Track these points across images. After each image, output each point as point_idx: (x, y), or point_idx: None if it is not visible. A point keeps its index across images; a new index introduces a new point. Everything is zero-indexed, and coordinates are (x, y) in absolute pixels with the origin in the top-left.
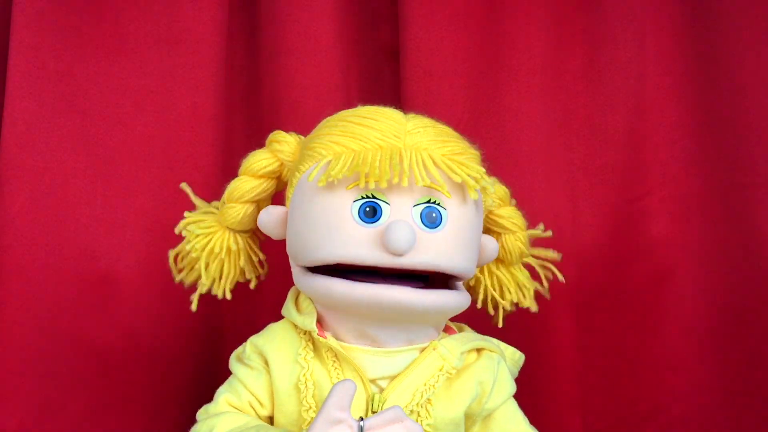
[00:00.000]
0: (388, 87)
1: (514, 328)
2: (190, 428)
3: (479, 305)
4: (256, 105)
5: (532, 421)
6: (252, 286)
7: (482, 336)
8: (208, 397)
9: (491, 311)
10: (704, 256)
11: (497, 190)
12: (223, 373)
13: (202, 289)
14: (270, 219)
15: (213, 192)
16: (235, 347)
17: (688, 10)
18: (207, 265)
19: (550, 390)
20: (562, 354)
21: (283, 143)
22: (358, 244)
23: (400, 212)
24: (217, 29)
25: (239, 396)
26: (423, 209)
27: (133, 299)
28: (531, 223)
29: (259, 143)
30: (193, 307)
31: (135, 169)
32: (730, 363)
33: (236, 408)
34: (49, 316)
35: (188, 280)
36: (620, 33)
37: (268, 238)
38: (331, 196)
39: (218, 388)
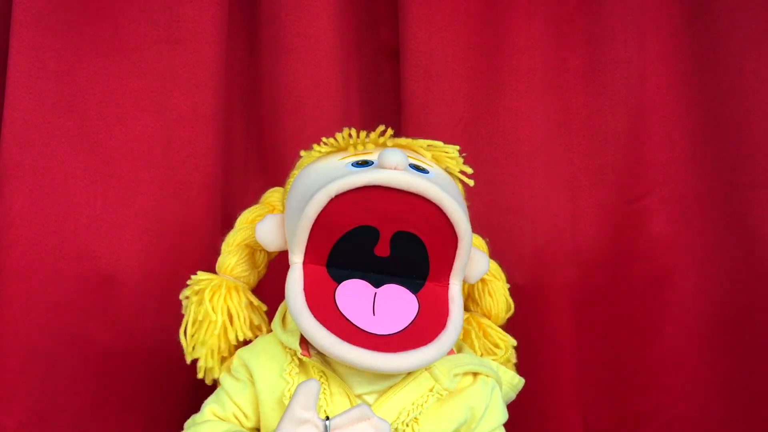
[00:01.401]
0: (388, 87)
1: (514, 328)
2: None
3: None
4: (256, 105)
5: (533, 420)
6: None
7: (480, 359)
8: (207, 397)
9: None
10: (704, 256)
11: (475, 240)
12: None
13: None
14: (267, 226)
15: (213, 192)
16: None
17: (688, 10)
18: (222, 317)
19: (550, 390)
20: (562, 354)
21: (273, 194)
22: (353, 174)
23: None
24: (216, 29)
25: (224, 407)
26: (410, 165)
27: (133, 299)
28: (531, 223)
29: (259, 143)
30: (208, 379)
31: (135, 169)
32: (730, 363)
33: (220, 419)
34: (49, 316)
35: (204, 356)
36: (620, 33)
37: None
38: (324, 162)
39: (206, 400)
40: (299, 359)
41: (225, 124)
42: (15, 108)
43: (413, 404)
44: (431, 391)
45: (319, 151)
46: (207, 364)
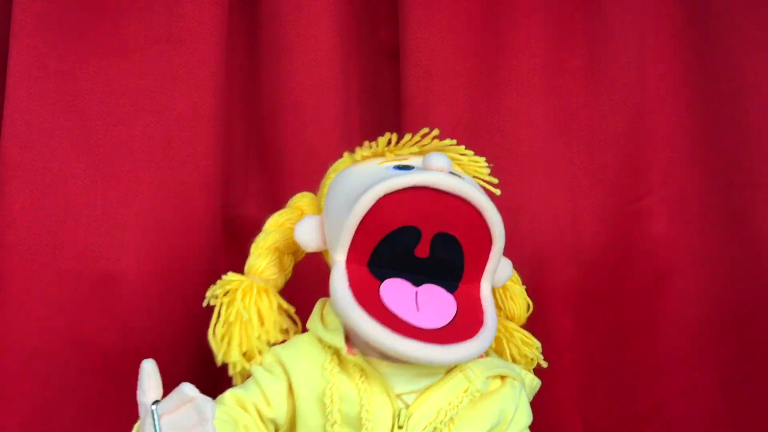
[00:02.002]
0: (388, 87)
1: None
2: None
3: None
4: (256, 105)
5: (533, 420)
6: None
7: (506, 363)
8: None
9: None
10: (704, 256)
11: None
12: (222, 373)
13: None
14: (306, 226)
15: (213, 192)
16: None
17: (688, 9)
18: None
19: (550, 390)
20: (562, 354)
21: (301, 198)
22: (399, 176)
23: None
24: (216, 29)
25: (248, 391)
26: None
27: (133, 299)
28: (531, 223)
29: (259, 143)
30: (237, 380)
31: (135, 169)
32: (730, 363)
33: (239, 400)
34: (49, 316)
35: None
36: (620, 33)
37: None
38: (364, 166)
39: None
40: (338, 358)
41: (225, 124)
42: (15, 108)
43: (449, 404)
44: (466, 392)
45: (362, 155)
46: (238, 366)
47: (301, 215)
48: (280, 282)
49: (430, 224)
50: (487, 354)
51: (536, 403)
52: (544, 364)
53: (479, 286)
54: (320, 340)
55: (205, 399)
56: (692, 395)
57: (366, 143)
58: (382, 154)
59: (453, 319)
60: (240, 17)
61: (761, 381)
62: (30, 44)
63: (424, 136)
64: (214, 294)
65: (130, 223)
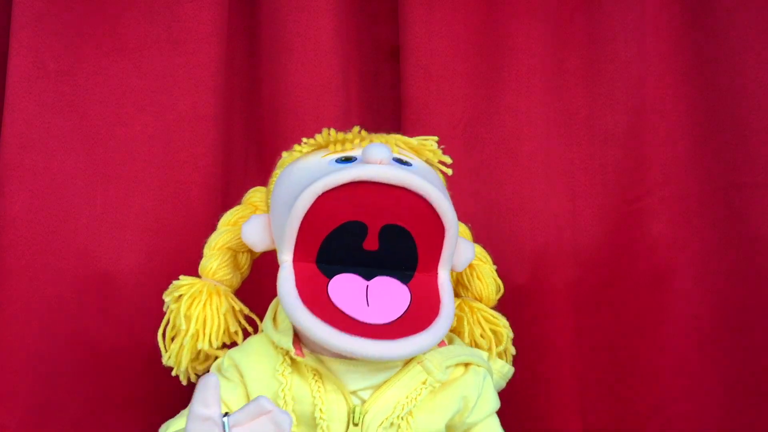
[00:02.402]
0: (388, 87)
1: (514, 328)
2: None
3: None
4: (256, 105)
5: (533, 420)
6: (239, 342)
7: (471, 349)
8: None
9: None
10: (704, 256)
11: (461, 228)
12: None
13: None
14: (253, 227)
15: (213, 192)
16: (234, 346)
17: (688, 10)
18: (197, 322)
19: (550, 390)
20: (562, 354)
21: (254, 194)
22: (338, 170)
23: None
24: (216, 29)
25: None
26: (393, 159)
27: (133, 299)
28: (531, 223)
29: (259, 143)
30: (183, 380)
31: (135, 169)
32: (730, 363)
33: None
34: (49, 316)
35: (178, 360)
36: (620, 33)
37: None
38: (307, 160)
39: None
40: (291, 359)
41: (225, 124)
42: (15, 108)
43: (407, 397)
44: (424, 383)
45: (300, 151)
46: (182, 377)
47: (254, 212)
48: (236, 281)
49: (375, 218)
50: (450, 341)
51: (536, 403)
52: (512, 351)
53: (437, 274)
54: (273, 341)
55: (282, 412)
56: (692, 395)
57: (303, 139)
58: (326, 146)
59: (406, 311)
60: (240, 17)
61: (761, 381)
62: (30, 44)
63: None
64: (166, 298)
65: (130, 223)
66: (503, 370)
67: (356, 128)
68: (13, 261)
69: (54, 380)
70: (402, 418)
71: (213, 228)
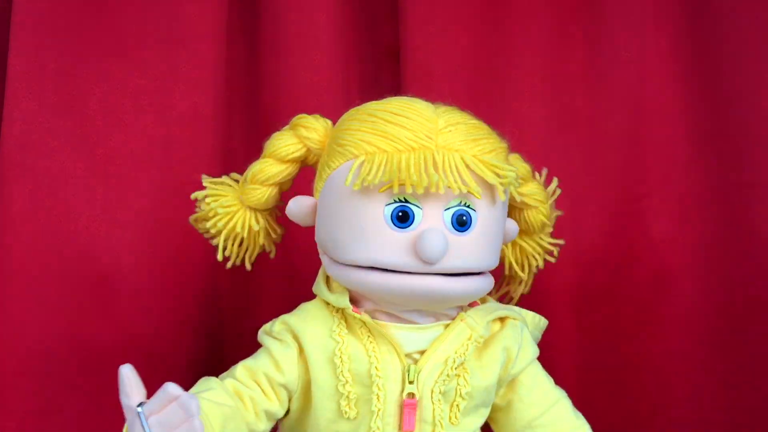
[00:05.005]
0: (388, 87)
1: None
2: None
3: (507, 273)
4: (256, 105)
5: None
6: (272, 255)
7: (505, 305)
8: None
9: (523, 276)
10: (704, 256)
11: (519, 168)
12: (222, 372)
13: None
14: (299, 210)
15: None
16: (234, 347)
17: (688, 10)
18: (226, 240)
19: None
20: (562, 354)
21: (311, 129)
22: (392, 251)
23: (432, 217)
24: (216, 29)
25: (257, 360)
26: (454, 212)
27: (133, 299)
28: None
29: (260, 143)
30: (219, 256)
31: (135, 169)
32: (730, 363)
33: (250, 371)
34: (49, 316)
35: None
36: (620, 33)
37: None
38: (364, 199)
39: None
40: (346, 320)
41: (225, 124)
42: (15, 108)
43: (456, 352)
44: (470, 339)
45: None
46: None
47: (307, 154)
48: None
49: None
50: (483, 301)
51: None
52: (552, 255)
53: None
54: (327, 304)
55: (189, 396)
56: (692, 395)
57: (360, 175)
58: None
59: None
60: (240, 17)
61: (761, 381)
62: (30, 44)
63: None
64: (202, 196)
65: (130, 223)
66: (535, 321)
67: (432, 179)
68: (13, 261)
69: (54, 380)
70: (456, 374)
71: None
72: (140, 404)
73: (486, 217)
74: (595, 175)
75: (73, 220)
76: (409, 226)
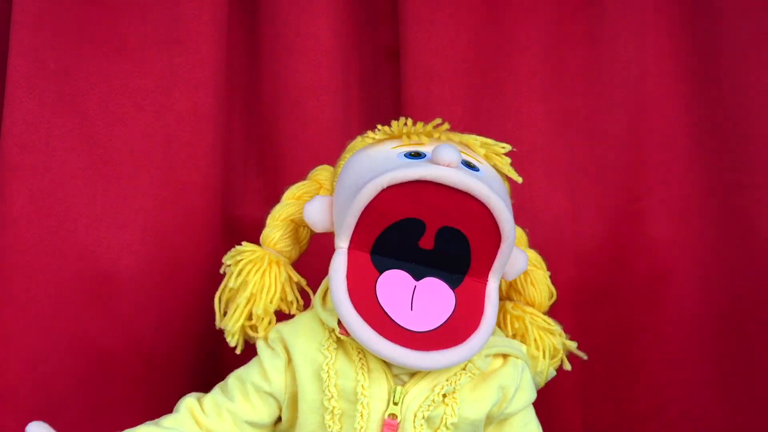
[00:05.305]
0: (388, 87)
1: None
2: None
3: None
4: (256, 105)
5: None
6: (293, 312)
7: (510, 341)
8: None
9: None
10: (704, 256)
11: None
12: (222, 372)
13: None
14: (316, 207)
15: (212, 192)
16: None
17: (688, 9)
18: (253, 289)
19: (550, 389)
20: None
21: (321, 172)
22: (405, 166)
23: None
24: (216, 29)
25: (248, 370)
26: (461, 161)
27: (133, 299)
28: (531, 223)
29: (259, 143)
30: (231, 343)
31: (135, 169)
32: (730, 363)
33: (239, 380)
34: (49, 316)
35: (231, 322)
36: (620, 33)
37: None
38: (376, 149)
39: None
40: (337, 336)
41: (225, 124)
42: (15, 108)
43: (447, 380)
44: (464, 369)
45: (373, 138)
46: (233, 337)
47: (319, 189)
48: (294, 254)
49: (435, 218)
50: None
51: (536, 403)
52: (583, 356)
53: (486, 282)
54: (320, 318)
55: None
56: (692, 395)
57: (378, 126)
58: (399, 137)
59: (447, 319)
60: (240, 17)
61: (761, 381)
62: (30, 44)
63: (437, 126)
64: (227, 263)
65: (130, 223)
66: (549, 371)
67: (434, 123)
68: (13, 261)
69: (54, 380)
70: (445, 403)
71: (212, 228)
72: None
73: (490, 175)
74: (595, 175)
75: (73, 220)
76: (421, 159)
